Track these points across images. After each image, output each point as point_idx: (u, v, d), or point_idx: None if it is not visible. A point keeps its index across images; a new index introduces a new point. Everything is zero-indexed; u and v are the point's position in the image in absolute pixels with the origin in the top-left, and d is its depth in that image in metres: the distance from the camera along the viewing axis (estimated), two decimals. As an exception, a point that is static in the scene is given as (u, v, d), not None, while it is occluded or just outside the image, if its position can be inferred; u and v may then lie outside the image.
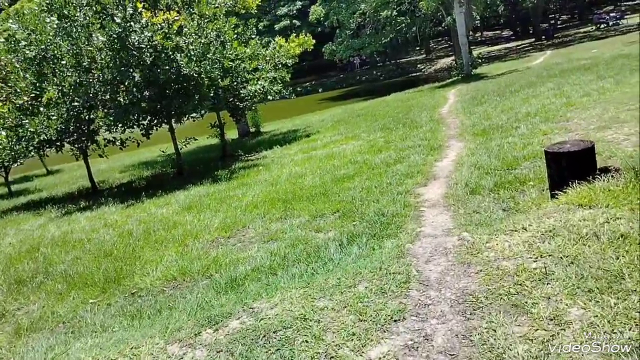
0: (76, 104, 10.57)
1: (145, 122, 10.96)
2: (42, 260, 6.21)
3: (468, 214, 4.90)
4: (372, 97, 28.75)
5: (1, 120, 10.68)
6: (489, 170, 6.26)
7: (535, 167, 5.98)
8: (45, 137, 10.40)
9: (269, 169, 9.88)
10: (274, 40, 14.02)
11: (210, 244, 5.70)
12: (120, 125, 10.34)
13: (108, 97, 10.23)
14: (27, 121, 10.39)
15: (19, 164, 11.21)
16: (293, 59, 14.18)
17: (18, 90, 10.63)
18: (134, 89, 9.97)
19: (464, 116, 11.55)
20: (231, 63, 10.79)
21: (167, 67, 9.92)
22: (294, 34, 15.03)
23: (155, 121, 10.98)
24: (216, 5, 10.75)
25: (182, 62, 9.82)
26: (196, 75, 10.09)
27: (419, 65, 47.13)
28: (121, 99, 10.05)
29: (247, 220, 6.35)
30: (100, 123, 10.30)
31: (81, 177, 15.92)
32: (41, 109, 10.87)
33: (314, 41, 15.06)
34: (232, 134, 18.80)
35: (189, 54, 9.99)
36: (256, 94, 12.89)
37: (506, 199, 5.06)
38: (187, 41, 10.04)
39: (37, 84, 10.65)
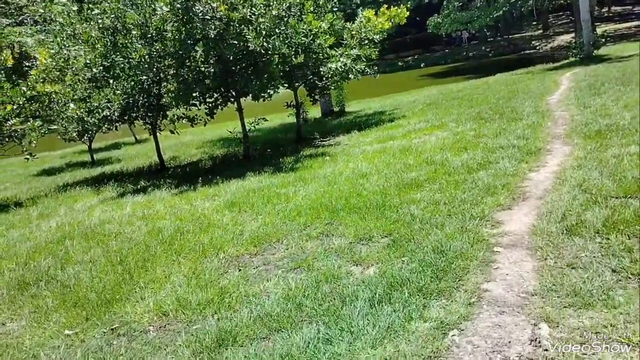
0: (144, 77, 10.06)
1: (210, 100, 10.23)
2: (60, 257, 5.61)
3: (560, 268, 3.48)
4: (476, 76, 26.40)
5: (71, 92, 10.44)
6: (599, 195, 4.69)
7: (667, 198, 4.36)
8: (108, 113, 10.00)
9: (335, 161, 8.75)
10: (360, 13, 12.65)
11: (231, 262, 4.74)
12: (182, 102, 9.65)
13: (172, 72, 9.58)
14: (94, 94, 10.04)
15: (86, 137, 10.96)
16: (381, 34, 12.74)
17: (88, 61, 10.28)
18: (198, 64, 9.22)
19: (576, 109, 9.62)
20: (304, 39, 9.66)
21: (234, 42, 9.02)
22: (395, 6, 13.56)
23: (221, 100, 10.21)
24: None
25: (249, 37, 8.86)
26: (264, 52, 9.10)
27: (533, 42, 43.08)
28: (185, 75, 9.36)
29: (284, 232, 5.31)
30: (166, 99, 9.68)
31: (165, 149, 15.78)
32: (111, 81, 10.52)
33: (407, 14, 13.46)
34: (316, 112, 17.82)
35: (257, 28, 9.01)
36: (337, 72, 11.70)
37: (619, 251, 3.56)
38: (256, 13, 9.05)
39: (108, 56, 10.23)
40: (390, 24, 12.99)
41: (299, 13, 9.90)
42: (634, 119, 7.68)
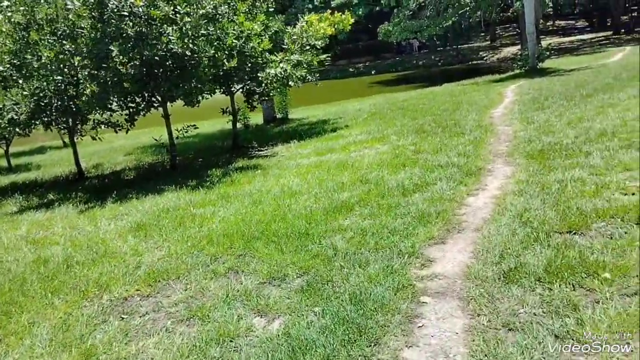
0: (58, 77, 9.02)
1: (132, 105, 9.31)
2: None
3: (494, 329, 2.89)
4: (424, 84, 26.33)
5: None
6: (540, 229, 4.17)
7: (615, 235, 3.87)
8: (14, 116, 8.91)
9: (266, 175, 8.02)
10: (302, 17, 12.00)
11: (116, 307, 3.93)
12: (97, 107, 8.70)
13: (87, 73, 8.62)
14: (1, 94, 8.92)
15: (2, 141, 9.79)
16: (323, 40, 12.13)
17: (-7, 58, 9.16)
18: (116, 66, 8.30)
19: (520, 124, 9.28)
20: (236, 41, 8.89)
21: (154, 42, 8.17)
22: (346, 12, 12.99)
23: (144, 105, 9.30)
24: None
25: (172, 37, 8.03)
26: (189, 54, 8.28)
27: (481, 53, 43.83)
28: (102, 77, 8.43)
29: (187, 266, 4.54)
30: (79, 103, 8.67)
31: (88, 155, 14.65)
32: (20, 81, 9.41)
33: (351, 20, 12.98)
34: (258, 118, 17.04)
35: (182, 28, 8.19)
36: (276, 78, 10.99)
37: (562, 308, 3.00)
38: (181, 11, 8.24)
39: (17, 53, 9.13)
40: (334, 29, 12.41)
41: (231, 13, 9.12)
42: (577, 137, 7.33)
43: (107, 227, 6.16)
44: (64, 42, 8.35)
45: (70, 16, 8.47)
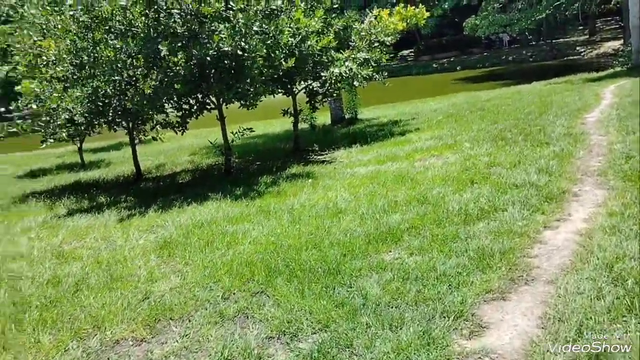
0: (117, 78, 8.79)
1: (186, 107, 8.92)
2: None
3: None
4: (512, 82, 24.42)
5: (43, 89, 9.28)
6: (636, 293, 3.12)
7: None
8: (68, 116, 8.78)
9: (315, 187, 7.29)
10: (370, 12, 11.11)
11: (102, 353, 3.37)
12: (148, 109, 8.36)
13: (140, 73, 8.31)
14: (55, 95, 8.84)
15: (48, 143, 9.83)
16: (394, 37, 11.21)
17: (54, 57, 9.11)
18: (169, 66, 7.91)
19: (617, 134, 7.91)
20: (292, 39, 8.21)
21: (205, 41, 7.68)
22: (421, 6, 12.01)
23: (197, 107, 8.87)
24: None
25: (223, 35, 7.49)
26: (241, 53, 7.71)
27: (578, 48, 40.45)
28: (154, 78, 8.08)
29: (195, 302, 3.92)
30: (129, 105, 8.37)
31: (156, 153, 14.69)
32: (81, 81, 9.30)
33: (426, 14, 11.92)
34: (326, 117, 16.33)
35: (235, 26, 7.62)
36: (340, 78, 10.22)
37: None
38: (234, 7, 7.67)
39: (77, 53, 9.01)
40: (405, 24, 11.43)
41: (289, 9, 8.44)
42: (692, 154, 5.98)
43: (136, 242, 5.70)
44: (121, 41, 8.06)
45: (127, 14, 8.19)
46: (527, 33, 43.04)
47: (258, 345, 3.20)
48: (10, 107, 11.65)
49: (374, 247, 4.57)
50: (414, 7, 11.66)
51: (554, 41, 43.60)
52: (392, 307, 3.41)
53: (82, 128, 9.98)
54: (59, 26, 9.27)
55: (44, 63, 9.36)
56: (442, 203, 5.57)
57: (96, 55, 8.51)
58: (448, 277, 3.72)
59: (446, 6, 44.89)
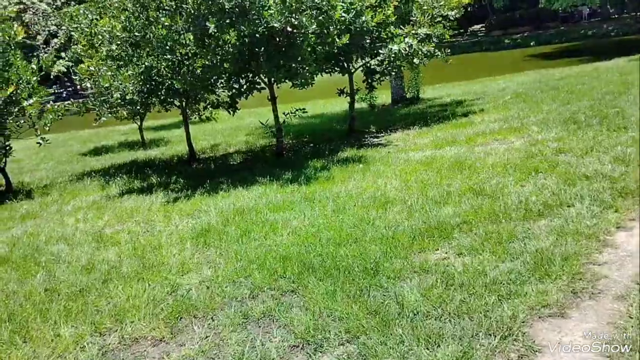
0: (168, 56, 8.69)
1: (235, 87, 8.71)
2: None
3: None
4: (590, 59, 22.67)
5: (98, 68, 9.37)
6: None
7: None
8: (120, 95, 8.78)
9: (365, 172, 6.90)
10: (434, -17, 10.39)
11: (120, 351, 3.21)
12: (198, 88, 8.20)
13: (190, 51, 8.15)
14: (109, 73, 8.87)
15: (102, 121, 9.92)
16: (458, 10, 10.47)
17: (108, 35, 9.11)
18: (218, 44, 7.70)
19: None
20: (345, 15, 7.75)
21: (255, 17, 7.38)
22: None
23: (246, 87, 8.64)
24: None
25: (272, 11, 7.16)
26: (291, 30, 7.36)
27: (667, 20, 37.11)
28: (203, 56, 7.90)
29: (223, 298, 3.69)
30: (177, 84, 8.24)
31: (214, 132, 14.70)
32: (134, 59, 9.28)
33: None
34: (387, 96, 15.73)
35: (286, 1, 7.26)
36: (399, 55, 9.66)
37: None
38: (284, -19, 7.29)
39: (132, 30, 8.96)
40: (471, -3, 10.64)
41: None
42: None
43: (175, 228, 5.56)
44: (169, 19, 7.91)
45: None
46: (608, 5, 40.00)
47: (279, 356, 2.91)
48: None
49: (419, 244, 4.15)
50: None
51: (639, 14, 40.20)
52: (430, 319, 3.01)
53: (136, 107, 10.00)
54: (116, 4, 9.27)
55: (100, 42, 9.40)
56: (500, 195, 5.05)
57: (148, 33, 8.42)
58: (498, 285, 3.27)
59: (520, -22, 42.36)
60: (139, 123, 14.36)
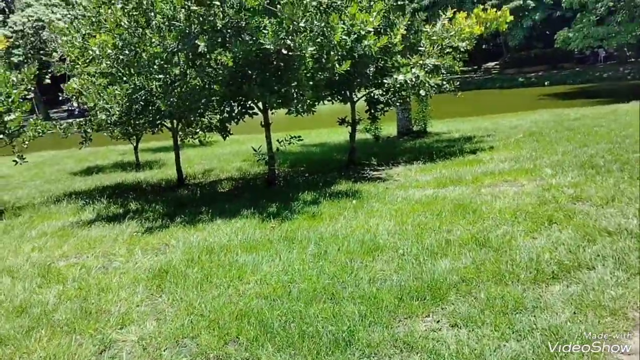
0: (160, 76, 8.13)
1: (228, 110, 8.11)
2: None
3: None
4: (607, 101, 22.07)
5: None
6: None
7: None
8: (105, 117, 8.21)
9: (358, 210, 6.20)
10: (444, 14, 9.84)
11: None
12: (183, 111, 7.62)
13: (179, 71, 7.61)
14: (95, 91, 8.33)
15: (85, 144, 9.32)
16: (470, 42, 9.89)
17: (98, 52, 8.59)
18: (209, 64, 7.15)
19: None
20: (346, 38, 7.17)
21: (248, 38, 6.82)
22: (504, 8, 10.63)
23: (237, 111, 8.04)
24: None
25: (267, 31, 6.59)
26: (285, 52, 6.78)
27: (685, 66, 36.52)
28: (191, 77, 7.35)
29: (158, 367, 2.97)
30: (162, 106, 7.65)
31: (212, 157, 14.13)
32: (124, 79, 8.73)
33: (510, 18, 10.51)
34: (391, 127, 15.11)
35: (283, 21, 6.68)
36: (405, 86, 9.06)
37: None
38: (281, 1, 6.72)
39: (123, 48, 8.44)
40: (484, 29, 10.08)
41: (344, 5, 7.38)
42: None
43: (134, 265, 4.88)
44: (158, 36, 7.38)
45: (168, 6, 7.50)
46: (625, 49, 39.53)
47: None
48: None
49: (406, 307, 3.43)
50: (495, 9, 10.27)
51: (657, 58, 39.75)
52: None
53: (125, 128, 9.46)
54: (111, 19, 8.77)
55: (90, 58, 8.89)
56: (507, 249, 4.33)
57: (138, 50, 7.89)
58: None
59: (536, 17, 42.12)
60: (134, 144, 13.84)
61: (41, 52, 45.00)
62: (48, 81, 45.39)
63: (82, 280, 4.56)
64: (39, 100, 47.99)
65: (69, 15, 9.61)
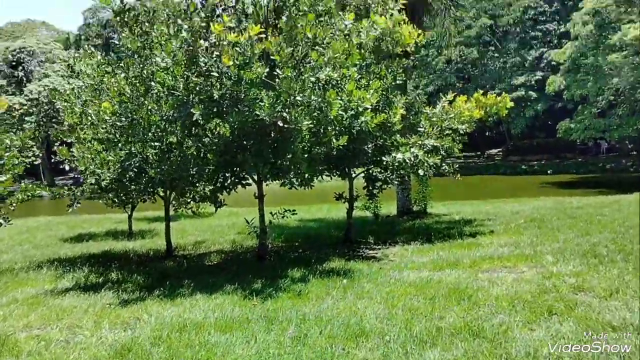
0: (156, 144, 8.05)
1: (221, 180, 7.96)
2: None
3: None
4: (609, 191, 21.98)
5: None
6: None
7: None
8: (93, 182, 8.07)
9: (347, 290, 5.84)
10: (444, 96, 9.92)
11: None
12: (174, 179, 7.47)
13: (174, 139, 7.52)
14: (88, 156, 8.23)
15: (74, 208, 9.10)
16: (469, 125, 9.89)
17: (95, 119, 8.58)
18: (206, 133, 7.07)
19: None
20: (342, 114, 7.13)
21: (244, 109, 6.78)
22: (504, 94, 10.69)
23: (230, 181, 7.88)
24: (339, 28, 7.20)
25: (262, 103, 6.55)
26: (281, 125, 6.70)
27: (687, 160, 36.77)
28: (185, 145, 7.26)
29: None
30: (152, 173, 7.51)
31: (208, 227, 13.85)
32: (120, 145, 8.66)
33: (511, 104, 10.56)
34: (392, 205, 14.89)
35: (280, 94, 6.66)
36: (404, 165, 8.95)
37: None
38: (280, 75, 6.73)
39: (123, 114, 8.42)
40: (484, 113, 10.11)
41: (341, 79, 7.39)
42: None
43: (97, 340, 4.50)
44: (154, 103, 7.37)
45: (168, 76, 7.54)
46: (627, 141, 40.04)
47: None
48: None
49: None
50: (495, 95, 10.35)
51: (658, 151, 40.14)
52: None
53: (117, 194, 9.29)
54: (114, 87, 8.83)
55: (88, 124, 8.88)
56: (502, 340, 3.96)
57: (135, 117, 7.86)
58: None
59: (538, 108, 43.10)
60: (128, 212, 13.64)
61: (53, 120, 46.03)
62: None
63: (38, 354, 4.18)
64: (45, 167, 48.59)
65: (80, 85, 9.68)
